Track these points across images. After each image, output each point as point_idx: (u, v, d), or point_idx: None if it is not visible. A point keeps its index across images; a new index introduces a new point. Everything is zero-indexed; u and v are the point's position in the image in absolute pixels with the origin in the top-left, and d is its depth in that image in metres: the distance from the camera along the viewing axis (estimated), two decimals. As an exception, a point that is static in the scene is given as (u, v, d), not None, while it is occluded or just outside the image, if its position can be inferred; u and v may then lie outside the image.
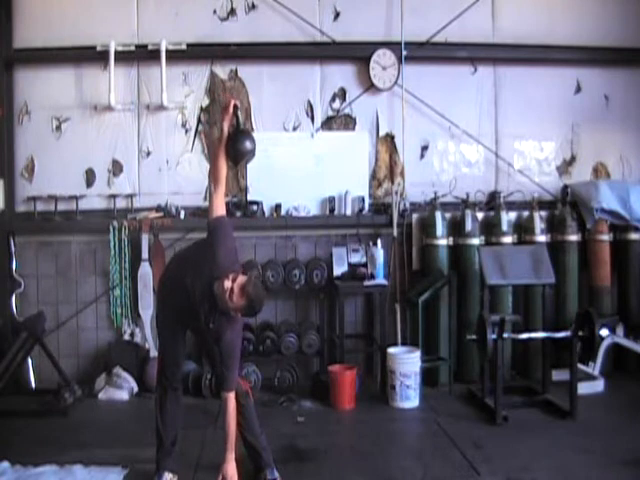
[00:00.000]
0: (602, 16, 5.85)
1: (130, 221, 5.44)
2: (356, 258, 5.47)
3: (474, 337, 4.59)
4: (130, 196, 5.62)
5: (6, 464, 3.75)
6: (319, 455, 3.96)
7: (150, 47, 5.53)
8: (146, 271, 5.46)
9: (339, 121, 5.79)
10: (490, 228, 5.53)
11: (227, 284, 3.12)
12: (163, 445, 3.50)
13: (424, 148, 5.85)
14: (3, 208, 5.50)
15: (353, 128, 5.80)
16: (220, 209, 3.36)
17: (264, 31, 5.65)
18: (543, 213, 5.62)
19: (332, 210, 5.65)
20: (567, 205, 5.62)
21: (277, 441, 4.00)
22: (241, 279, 3.17)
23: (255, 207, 5.51)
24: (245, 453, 3.61)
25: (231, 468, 3.35)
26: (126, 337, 5.49)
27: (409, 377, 4.81)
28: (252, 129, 5.65)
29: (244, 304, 3.17)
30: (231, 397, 3.34)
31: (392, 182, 5.77)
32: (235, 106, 3.44)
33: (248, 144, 3.43)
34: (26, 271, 5.58)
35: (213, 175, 3.43)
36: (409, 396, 4.82)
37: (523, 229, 5.59)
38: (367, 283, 5.29)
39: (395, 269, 5.60)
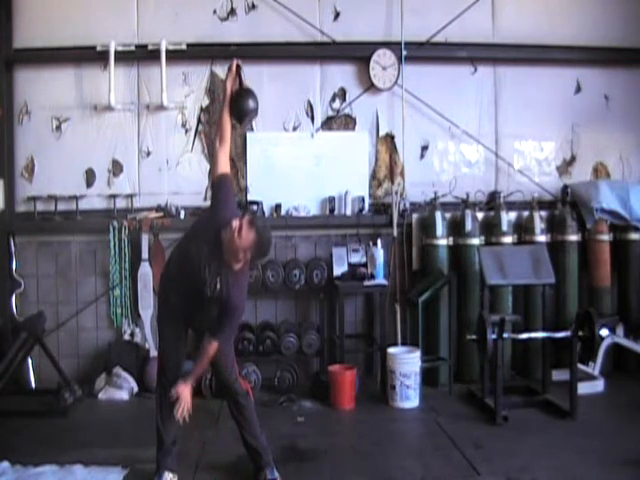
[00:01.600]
0: (602, 16, 5.85)
1: (130, 221, 5.44)
2: (356, 258, 5.47)
3: (474, 337, 4.59)
4: (130, 196, 5.62)
5: (6, 464, 3.75)
6: (319, 455, 3.96)
7: (150, 47, 5.54)
8: (146, 271, 5.46)
9: (339, 121, 5.79)
10: (490, 228, 5.53)
11: (235, 223, 3.19)
12: (163, 445, 3.49)
13: (424, 148, 5.85)
14: (3, 208, 5.50)
15: (353, 128, 5.80)
16: (224, 166, 3.50)
17: (264, 31, 5.65)
18: (543, 213, 5.62)
19: (332, 210, 5.65)
20: (567, 205, 5.62)
21: (277, 441, 4.00)
22: (248, 216, 3.27)
23: (255, 207, 5.51)
24: (245, 453, 3.61)
25: (187, 390, 3.35)
26: (126, 337, 5.49)
27: (409, 377, 4.81)
28: (252, 128, 5.67)
29: (253, 239, 3.19)
30: (215, 345, 3.33)
31: (392, 182, 5.77)
32: (238, 66, 3.57)
33: (251, 103, 3.57)
34: (26, 271, 5.58)
35: (219, 132, 3.56)
36: (409, 396, 4.82)
37: (523, 229, 5.59)
38: (367, 283, 5.29)
39: (395, 269, 5.60)
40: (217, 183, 3.49)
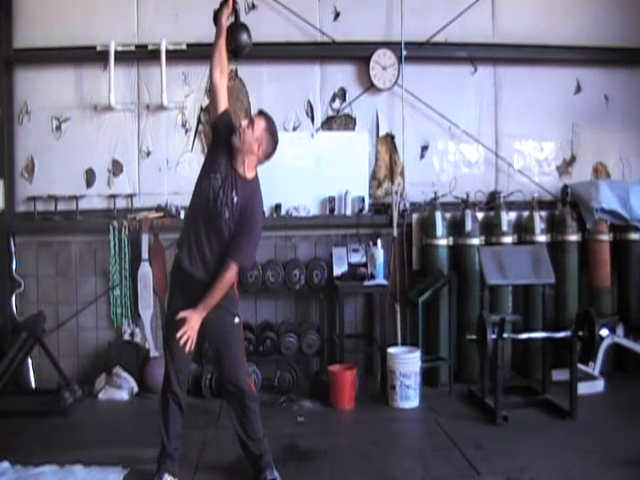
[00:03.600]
0: (602, 16, 5.85)
1: (130, 221, 5.44)
2: (356, 258, 5.47)
3: (474, 337, 4.59)
4: (130, 196, 5.62)
5: (6, 464, 3.74)
6: (319, 455, 3.96)
7: (150, 47, 5.53)
8: (146, 271, 5.46)
9: (339, 121, 5.79)
10: (490, 228, 5.53)
11: (244, 122, 3.38)
12: (165, 450, 3.46)
13: (424, 148, 5.85)
14: (3, 208, 5.50)
15: (353, 128, 5.80)
16: (224, 102, 3.53)
17: (264, 31, 5.60)
18: (543, 213, 5.62)
19: (332, 210, 5.65)
20: (567, 205, 5.62)
21: (277, 441, 4.00)
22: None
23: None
24: (244, 456, 3.59)
25: (195, 316, 3.28)
26: (126, 337, 5.49)
27: (409, 377, 4.81)
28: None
29: (265, 125, 3.40)
30: (234, 268, 3.28)
31: (392, 182, 5.78)
32: (235, 1, 3.65)
33: (247, 37, 3.68)
34: (26, 271, 5.58)
35: (218, 64, 3.58)
36: (409, 396, 4.82)
37: (523, 229, 5.59)
38: (367, 283, 5.28)
39: (395, 269, 5.60)
40: (219, 121, 3.49)
